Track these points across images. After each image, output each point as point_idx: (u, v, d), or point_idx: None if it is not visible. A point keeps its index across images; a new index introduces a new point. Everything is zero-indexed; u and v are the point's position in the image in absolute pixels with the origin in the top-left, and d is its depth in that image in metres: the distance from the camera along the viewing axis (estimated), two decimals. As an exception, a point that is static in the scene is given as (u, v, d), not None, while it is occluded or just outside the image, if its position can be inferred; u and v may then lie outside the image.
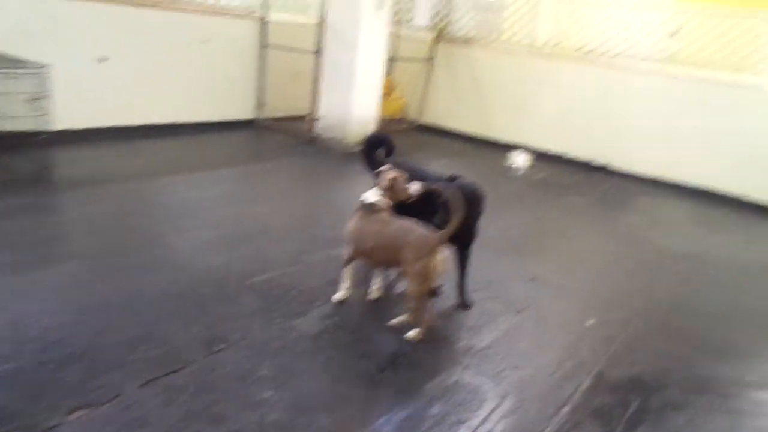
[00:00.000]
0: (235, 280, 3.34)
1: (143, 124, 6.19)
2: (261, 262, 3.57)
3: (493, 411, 2.53)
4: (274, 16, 7.14)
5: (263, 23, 7.08)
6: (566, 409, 2.62)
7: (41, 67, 4.30)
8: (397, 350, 2.86)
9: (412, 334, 2.95)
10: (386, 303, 3.30)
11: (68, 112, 5.35)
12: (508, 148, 7.71)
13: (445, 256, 2.89)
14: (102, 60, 5.61)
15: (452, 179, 3.20)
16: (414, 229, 2.86)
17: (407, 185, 3.08)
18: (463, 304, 3.40)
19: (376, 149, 3.65)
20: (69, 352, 2.51)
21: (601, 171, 7.34)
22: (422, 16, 8.30)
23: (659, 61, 6.93)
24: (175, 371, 2.48)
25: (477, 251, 4.30)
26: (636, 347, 3.22)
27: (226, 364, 2.58)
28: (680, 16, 6.85)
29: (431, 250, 2.79)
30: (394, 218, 2.98)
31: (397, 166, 3.20)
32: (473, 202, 3.11)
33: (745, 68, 6.44)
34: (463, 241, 3.27)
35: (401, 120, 8.86)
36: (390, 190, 3.05)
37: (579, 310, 3.60)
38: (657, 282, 4.21)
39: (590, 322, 3.44)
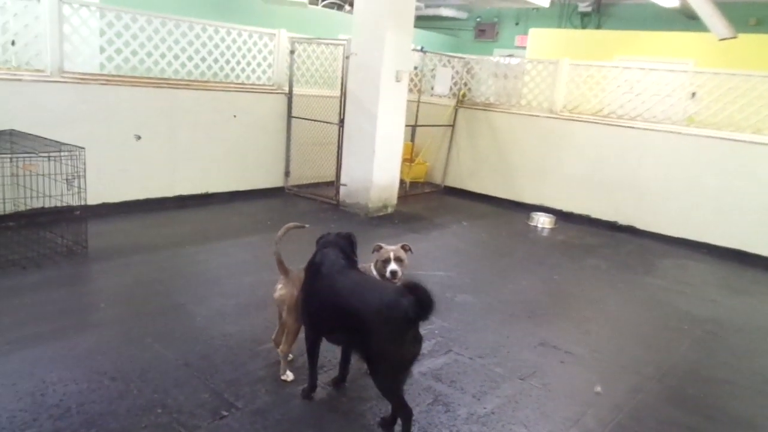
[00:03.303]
0: (246, 347, 3.49)
1: (175, 196, 6.55)
2: (273, 329, 3.70)
3: (487, 479, 2.56)
4: (299, 90, 7.55)
5: (289, 97, 7.49)
6: (563, 478, 2.62)
7: (78, 149, 4.66)
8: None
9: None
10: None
11: (103, 188, 5.80)
12: (531, 209, 7.81)
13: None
14: (137, 138, 6.03)
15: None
16: None
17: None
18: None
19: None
20: (84, 418, 2.67)
21: (626, 231, 7.32)
22: (443, 84, 8.62)
23: (678, 122, 7.00)
24: (180, 438, 2.61)
25: (487, 314, 4.37)
26: (644, 416, 3.20)
27: (230, 431, 2.69)
28: (698, 78, 6.96)
29: None
30: None
31: None
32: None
33: (766, 129, 6.45)
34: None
35: (426, 183, 9.10)
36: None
37: (586, 377, 3.59)
38: (673, 348, 4.16)
39: (598, 388, 3.43)
